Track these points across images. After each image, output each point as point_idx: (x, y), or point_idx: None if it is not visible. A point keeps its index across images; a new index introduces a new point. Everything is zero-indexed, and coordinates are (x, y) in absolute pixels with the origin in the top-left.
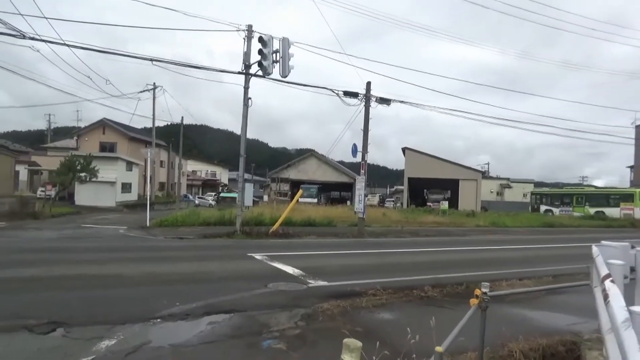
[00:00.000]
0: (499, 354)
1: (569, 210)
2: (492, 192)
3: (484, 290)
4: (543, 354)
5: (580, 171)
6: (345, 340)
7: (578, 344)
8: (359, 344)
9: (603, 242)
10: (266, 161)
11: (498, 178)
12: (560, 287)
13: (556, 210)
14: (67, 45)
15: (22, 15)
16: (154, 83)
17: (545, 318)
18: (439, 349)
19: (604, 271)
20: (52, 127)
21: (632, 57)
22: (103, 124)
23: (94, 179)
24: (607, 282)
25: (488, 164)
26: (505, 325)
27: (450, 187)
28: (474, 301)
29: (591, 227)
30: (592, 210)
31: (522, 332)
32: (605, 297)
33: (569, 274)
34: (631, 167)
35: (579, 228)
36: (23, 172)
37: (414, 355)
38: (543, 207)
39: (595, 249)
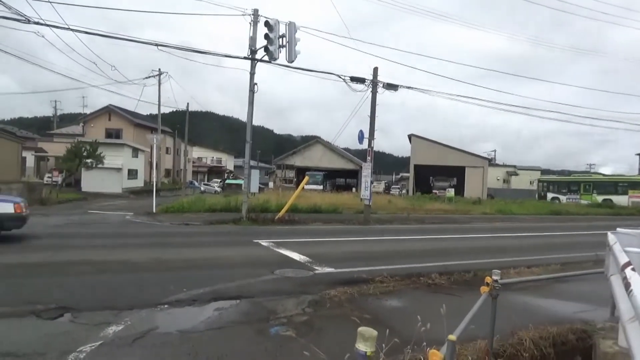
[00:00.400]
0: (509, 342)
1: (577, 198)
2: (498, 179)
3: (495, 278)
4: (553, 342)
5: (588, 158)
6: (360, 329)
7: (589, 332)
8: (374, 333)
9: (619, 229)
10: (271, 148)
11: (504, 165)
12: (571, 275)
13: (563, 198)
14: (72, 30)
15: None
16: (159, 69)
17: (554, 306)
18: (452, 337)
19: (623, 259)
20: (58, 114)
21: None
22: (109, 110)
23: (100, 166)
24: (629, 271)
25: (495, 151)
26: (515, 313)
27: (456, 175)
28: (484, 289)
29: (599, 215)
30: (600, 198)
31: (532, 320)
32: (627, 285)
33: (577, 261)
34: None
35: (586, 216)
36: (30, 158)
37: (425, 344)
38: (550, 195)
39: (611, 237)
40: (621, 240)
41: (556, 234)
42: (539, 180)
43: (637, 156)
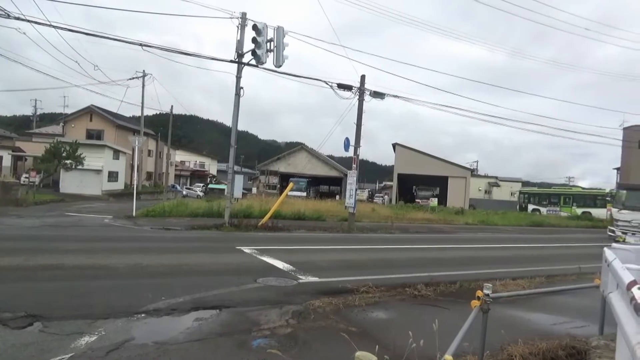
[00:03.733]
0: (498, 358)
1: (557, 210)
2: (480, 190)
3: (486, 292)
4: (543, 358)
5: (567, 171)
6: (358, 354)
7: (579, 348)
8: (374, 358)
9: (614, 244)
10: (255, 153)
11: (486, 176)
12: (563, 290)
13: (544, 210)
14: (54, 27)
15: None
16: (144, 70)
17: (542, 320)
18: (448, 358)
19: (627, 277)
20: (38, 113)
21: (621, 59)
22: (90, 111)
23: (79, 167)
24: (636, 290)
25: (477, 162)
26: (503, 327)
27: (439, 184)
28: (475, 303)
29: (578, 227)
30: (579, 211)
31: (520, 334)
32: (637, 307)
33: (561, 274)
34: (617, 168)
35: (566, 228)
36: (6, 157)
37: None
38: (531, 207)
39: (609, 252)
40: (618, 256)
41: (538, 246)
42: (520, 192)
43: (614, 170)
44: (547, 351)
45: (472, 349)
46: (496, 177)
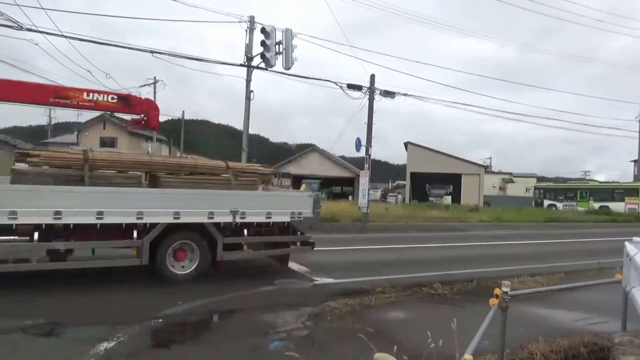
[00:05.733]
0: (519, 356)
1: (573, 205)
2: (494, 186)
3: (504, 289)
4: (565, 356)
5: (582, 165)
6: (377, 355)
7: (601, 345)
8: (393, 359)
9: (635, 238)
10: (267, 156)
11: (500, 173)
12: (583, 286)
13: (560, 205)
14: (65, 37)
15: (18, 5)
16: (155, 77)
17: (562, 317)
18: (468, 357)
19: None
20: (52, 123)
21: (635, 49)
22: (103, 119)
23: None
24: None
25: (490, 158)
26: (523, 325)
27: (452, 182)
28: (493, 301)
29: (596, 221)
30: (597, 205)
31: (540, 332)
32: None
33: (580, 270)
34: (635, 161)
35: (583, 223)
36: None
37: None
38: (546, 202)
39: (630, 247)
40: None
41: (555, 242)
42: (535, 188)
43: (632, 163)
44: (569, 348)
45: (492, 347)
46: (510, 173)
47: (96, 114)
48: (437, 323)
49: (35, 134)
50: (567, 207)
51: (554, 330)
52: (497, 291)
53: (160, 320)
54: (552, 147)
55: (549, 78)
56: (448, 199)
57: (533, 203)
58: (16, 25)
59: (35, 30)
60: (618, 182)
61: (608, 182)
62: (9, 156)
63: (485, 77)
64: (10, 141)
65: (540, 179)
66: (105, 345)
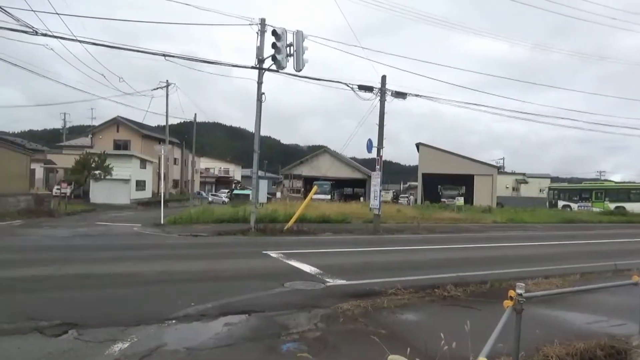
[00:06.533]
0: (534, 359)
1: (588, 206)
2: (507, 187)
3: (518, 291)
4: (581, 359)
5: (597, 165)
6: (391, 357)
7: (618, 348)
8: None
9: None
10: (278, 158)
11: (514, 173)
12: (599, 288)
13: (575, 206)
14: (79, 41)
15: (34, 11)
16: (167, 80)
17: (578, 319)
18: None
19: None
20: (67, 126)
21: None
22: (117, 122)
23: (108, 177)
24: None
25: (503, 159)
26: (537, 327)
27: (465, 183)
28: (508, 303)
29: (612, 222)
30: (612, 206)
31: (556, 334)
32: None
33: (596, 271)
34: None
35: (599, 224)
36: (39, 170)
37: None
38: (561, 203)
39: None
40: None
41: (570, 243)
42: (550, 188)
43: None
44: (585, 351)
45: (507, 350)
46: (524, 174)
47: (109, 117)
48: (451, 325)
49: (50, 137)
50: (582, 207)
51: (569, 333)
52: (511, 293)
53: (173, 321)
54: (566, 147)
55: (563, 77)
56: (460, 200)
57: (547, 204)
58: (32, 30)
59: (50, 35)
60: (634, 182)
61: (624, 183)
62: (25, 158)
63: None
64: (26, 144)
65: (555, 179)
66: (119, 346)
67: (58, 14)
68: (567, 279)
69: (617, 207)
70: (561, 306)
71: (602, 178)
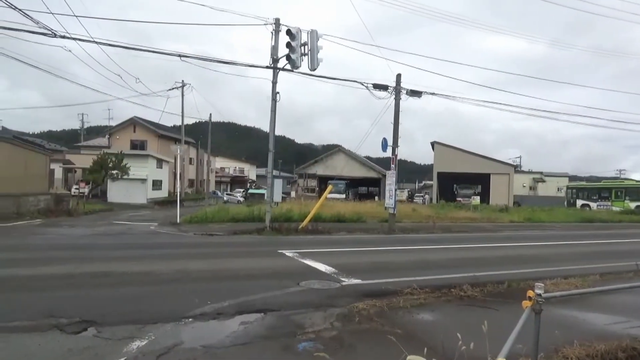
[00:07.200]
0: None
1: (608, 205)
2: (524, 186)
3: (537, 291)
4: None
5: (617, 164)
6: (409, 357)
7: None
8: None
9: None
10: (293, 157)
11: (531, 172)
12: (619, 288)
13: (594, 205)
14: (97, 43)
15: (52, 13)
16: (182, 81)
17: (598, 320)
18: None
19: None
20: (85, 127)
21: None
22: (133, 122)
23: (125, 177)
24: None
25: (520, 157)
26: (557, 328)
27: (481, 182)
28: (526, 303)
29: (632, 222)
30: (633, 205)
31: (575, 335)
32: None
33: (617, 272)
34: None
35: (619, 223)
36: (58, 170)
37: None
38: (580, 202)
39: None
40: None
41: (590, 243)
42: (568, 187)
43: None
44: (606, 353)
45: (525, 351)
46: (541, 173)
47: (126, 117)
48: (468, 325)
49: (69, 138)
50: (602, 207)
51: (589, 334)
52: (530, 293)
53: (190, 319)
54: (585, 145)
55: (582, 74)
56: (476, 199)
57: (565, 203)
58: (50, 32)
59: (68, 37)
60: None
61: None
62: (45, 159)
63: (515, 74)
64: (46, 145)
65: (573, 178)
66: (137, 344)
67: (76, 16)
68: (586, 279)
69: (638, 207)
70: (580, 307)
71: (622, 176)
